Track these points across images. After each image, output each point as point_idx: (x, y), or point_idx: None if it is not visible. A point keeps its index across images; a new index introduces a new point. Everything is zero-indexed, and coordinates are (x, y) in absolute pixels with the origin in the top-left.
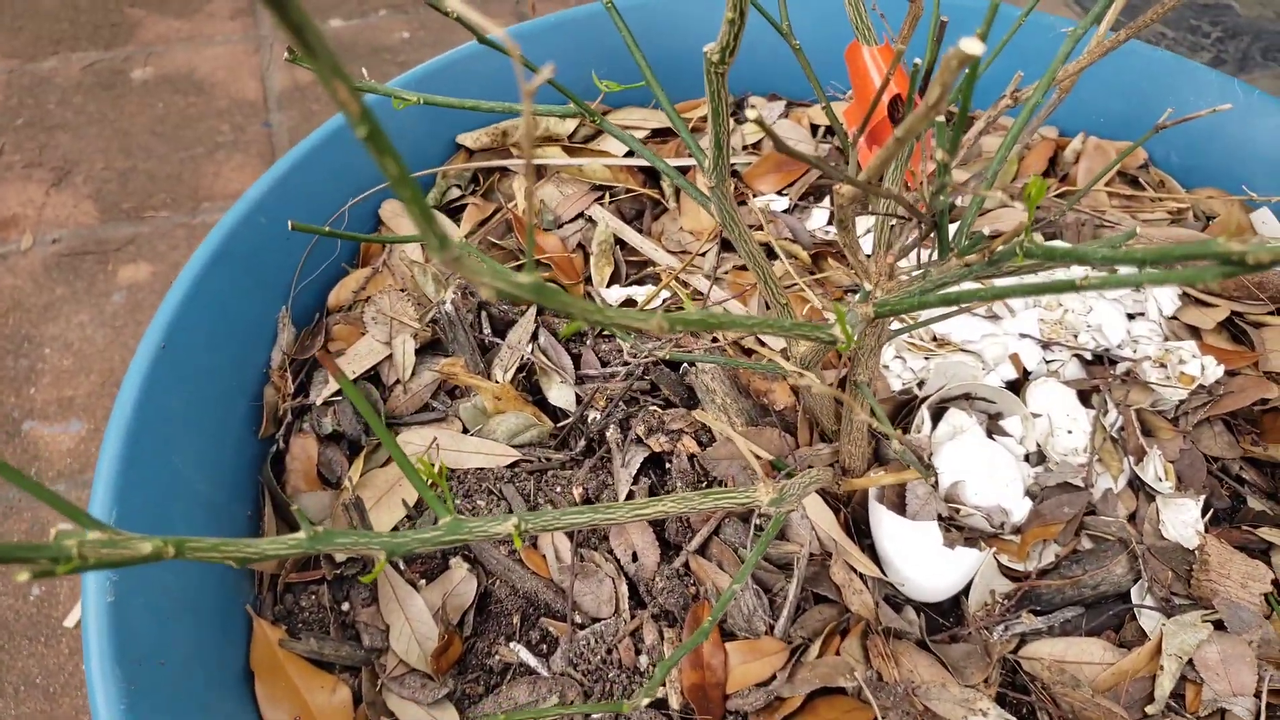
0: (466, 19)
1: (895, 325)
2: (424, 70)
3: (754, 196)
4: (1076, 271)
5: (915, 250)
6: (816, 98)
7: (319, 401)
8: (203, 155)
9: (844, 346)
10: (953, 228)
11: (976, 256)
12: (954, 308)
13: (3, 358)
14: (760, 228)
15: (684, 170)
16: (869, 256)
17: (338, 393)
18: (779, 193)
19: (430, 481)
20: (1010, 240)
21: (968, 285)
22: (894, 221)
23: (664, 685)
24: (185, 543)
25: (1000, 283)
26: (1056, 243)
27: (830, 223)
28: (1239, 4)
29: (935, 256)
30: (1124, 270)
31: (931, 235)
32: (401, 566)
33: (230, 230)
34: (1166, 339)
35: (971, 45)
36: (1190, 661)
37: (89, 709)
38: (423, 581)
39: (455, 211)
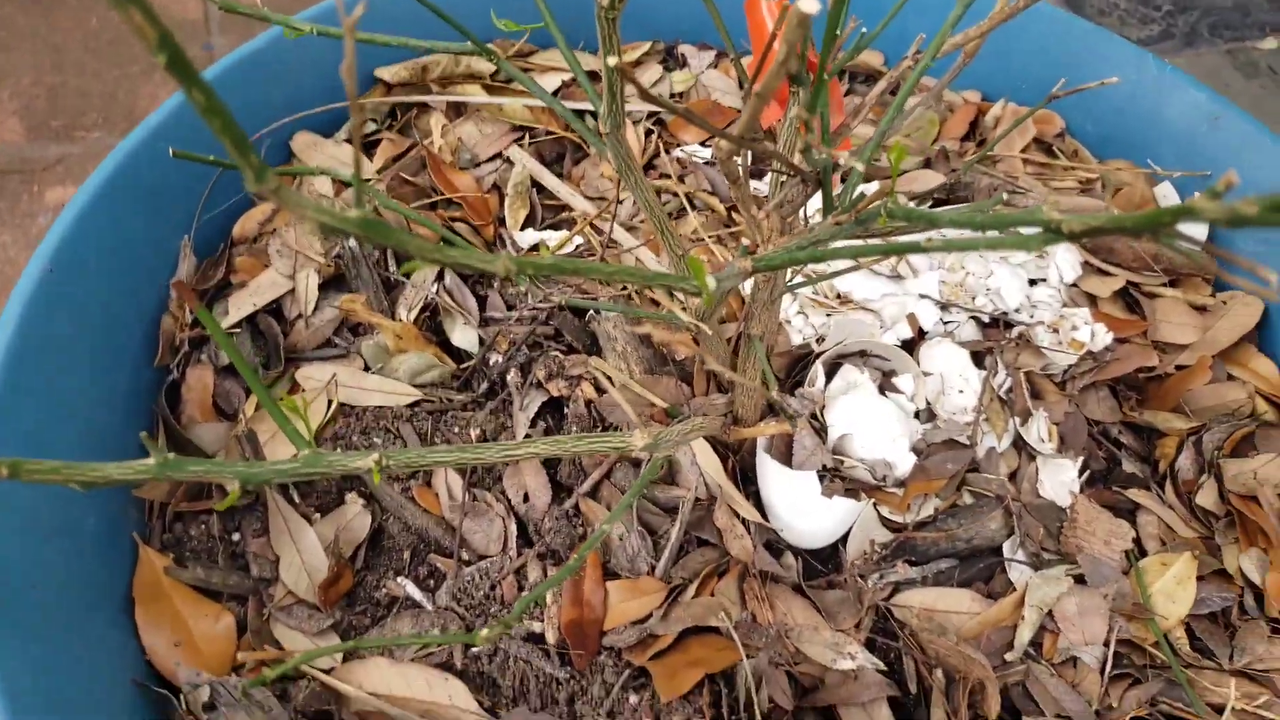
0: None
1: (797, 280)
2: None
3: (677, 147)
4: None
5: (802, 208)
6: (737, 49)
7: None
8: (139, 75)
9: (707, 299)
10: (872, 188)
11: (846, 216)
12: (850, 264)
13: None
14: (681, 178)
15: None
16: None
17: (236, 324)
18: (703, 144)
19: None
20: (875, 202)
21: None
22: (784, 179)
23: (542, 620)
24: (21, 464)
25: (868, 241)
26: (915, 206)
27: (751, 175)
28: None
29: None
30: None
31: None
32: (297, 499)
33: (130, 155)
34: (1065, 305)
35: (808, 4)
36: (1050, 613)
37: None
38: (317, 515)
39: (370, 146)
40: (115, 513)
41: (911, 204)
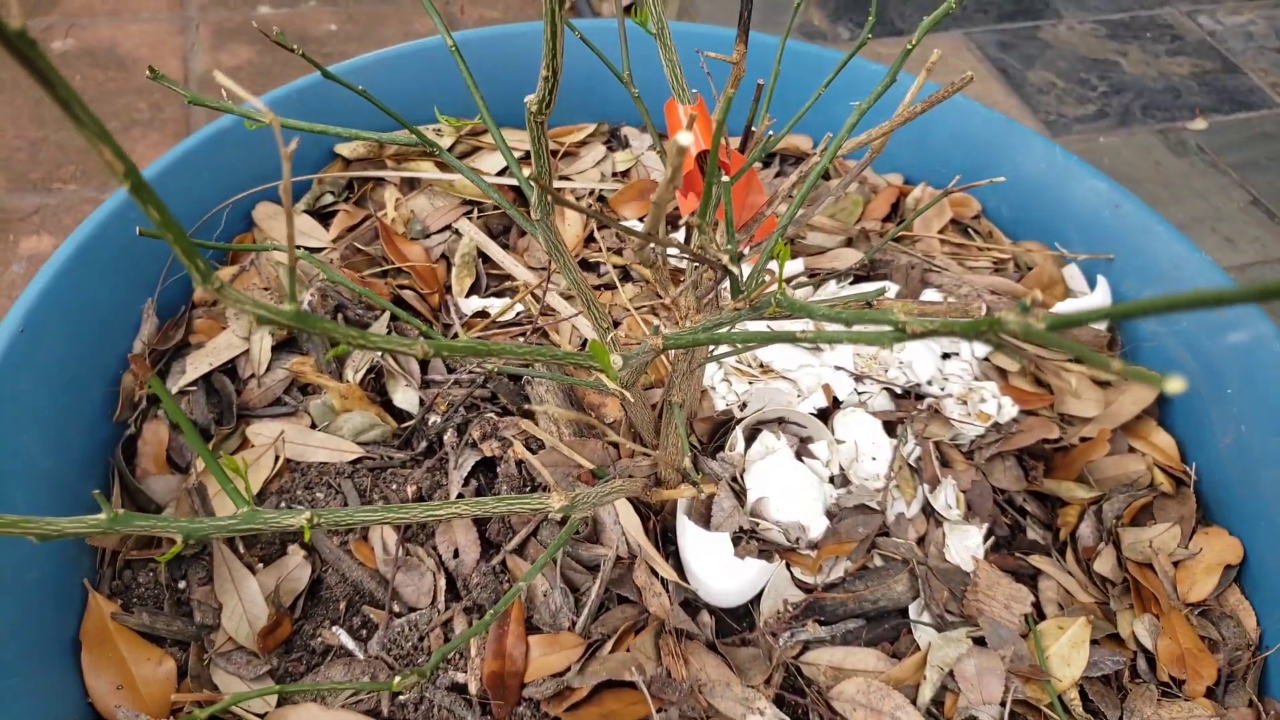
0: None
1: (721, 350)
2: (304, 83)
3: (618, 221)
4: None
5: (713, 292)
6: (643, 120)
7: (174, 390)
8: (118, 131)
9: (611, 375)
10: (796, 267)
11: (741, 304)
12: (761, 343)
13: None
14: (619, 251)
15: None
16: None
17: (193, 383)
18: (640, 219)
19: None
20: (766, 291)
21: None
22: (697, 265)
23: (464, 672)
24: None
25: (753, 327)
26: (799, 298)
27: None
28: (1126, 61)
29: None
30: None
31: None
32: (241, 550)
33: (102, 223)
34: (976, 378)
35: (684, 138)
36: (951, 673)
37: None
38: (260, 565)
39: (327, 216)
40: (68, 559)
41: (834, 283)
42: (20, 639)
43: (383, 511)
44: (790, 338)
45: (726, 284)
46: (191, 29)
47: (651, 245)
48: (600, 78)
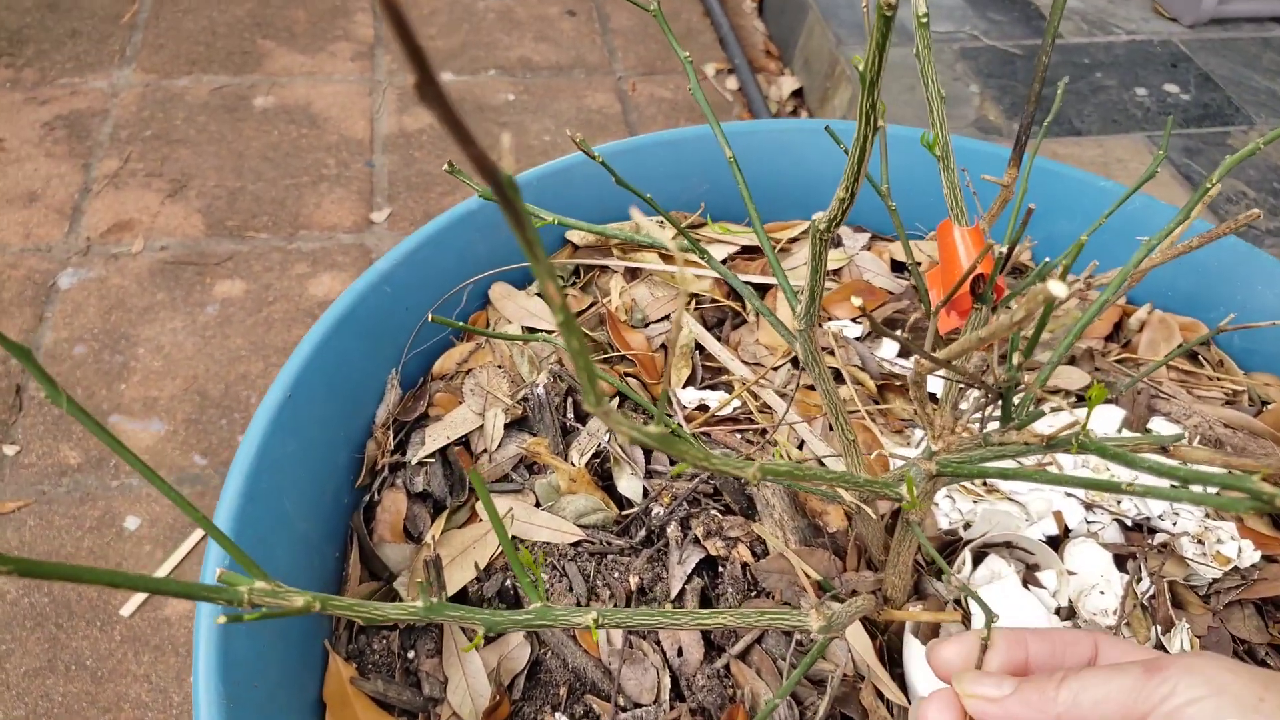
0: (587, 150)
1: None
2: (541, 171)
3: (829, 320)
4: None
5: (978, 412)
6: (898, 234)
7: (413, 461)
8: (307, 185)
9: (909, 505)
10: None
11: (1036, 439)
12: (1012, 469)
13: (100, 351)
14: (831, 352)
15: (763, 289)
16: (935, 408)
17: (431, 455)
18: (854, 320)
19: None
20: (1067, 430)
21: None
22: (961, 386)
23: None
24: (329, 600)
25: (1055, 462)
26: (1108, 442)
27: (899, 354)
28: None
29: (997, 423)
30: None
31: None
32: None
33: (358, 296)
34: (1208, 516)
35: (1056, 288)
36: None
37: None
38: (482, 642)
39: None
40: (311, 623)
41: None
42: (282, 695)
43: (658, 615)
44: (1114, 487)
45: (986, 408)
46: (379, 92)
47: (930, 373)
48: (815, 176)
